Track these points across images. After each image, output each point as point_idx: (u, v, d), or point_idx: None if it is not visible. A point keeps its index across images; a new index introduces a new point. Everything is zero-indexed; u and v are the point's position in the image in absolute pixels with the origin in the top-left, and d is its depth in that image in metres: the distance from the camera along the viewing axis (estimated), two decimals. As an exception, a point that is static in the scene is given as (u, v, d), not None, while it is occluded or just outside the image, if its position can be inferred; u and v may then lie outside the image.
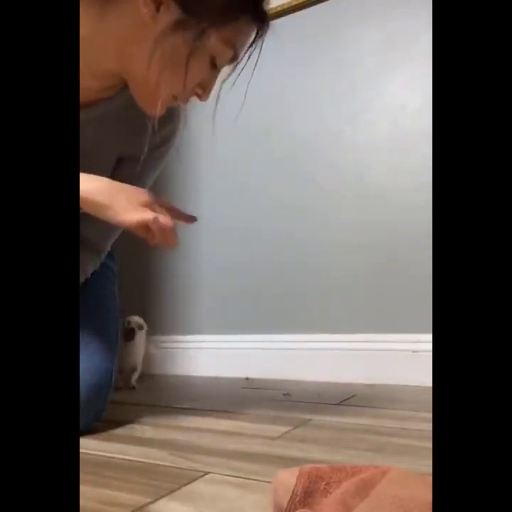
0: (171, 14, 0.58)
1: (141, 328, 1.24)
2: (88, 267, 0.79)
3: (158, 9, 0.58)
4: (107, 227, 0.81)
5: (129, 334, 1.21)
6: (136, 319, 1.25)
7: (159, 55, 0.61)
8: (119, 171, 0.79)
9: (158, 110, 0.67)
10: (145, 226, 0.62)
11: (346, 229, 1.30)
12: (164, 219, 0.62)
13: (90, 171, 0.73)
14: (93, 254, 0.80)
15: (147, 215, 0.61)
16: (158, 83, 0.63)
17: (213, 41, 0.61)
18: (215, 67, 0.66)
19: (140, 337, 1.24)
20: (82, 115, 0.70)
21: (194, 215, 0.72)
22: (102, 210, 0.63)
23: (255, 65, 0.67)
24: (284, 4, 1.42)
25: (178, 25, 0.59)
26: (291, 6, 1.41)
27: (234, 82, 0.70)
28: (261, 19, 0.64)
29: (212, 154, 1.55)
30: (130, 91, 0.69)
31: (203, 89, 0.68)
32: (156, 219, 0.61)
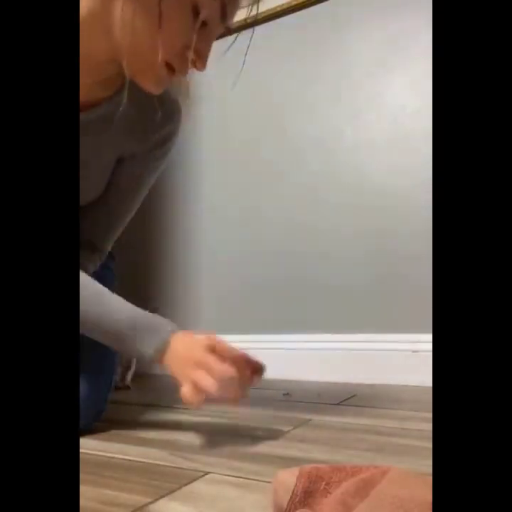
0: None
1: None
2: (89, 267, 0.79)
3: None
4: (108, 227, 0.81)
5: None
6: None
7: (130, 7, 0.57)
8: (120, 171, 0.78)
9: (146, 78, 0.63)
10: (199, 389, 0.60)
11: (346, 229, 1.30)
12: (218, 375, 0.59)
13: (91, 171, 0.73)
14: (94, 254, 0.80)
15: (195, 377, 0.60)
16: (137, 39, 0.59)
17: None
18: (197, 17, 0.59)
19: None
20: (83, 116, 0.69)
21: (262, 364, 0.66)
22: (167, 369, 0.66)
23: (251, 38, 0.65)
24: (284, 4, 1.42)
25: None
26: (291, 6, 1.41)
27: (228, 48, 0.66)
28: None
29: (212, 155, 1.55)
30: (128, 82, 0.66)
31: (196, 55, 0.62)
32: (198, 384, 0.59)
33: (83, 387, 0.72)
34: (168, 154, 0.81)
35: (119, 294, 0.93)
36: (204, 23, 0.60)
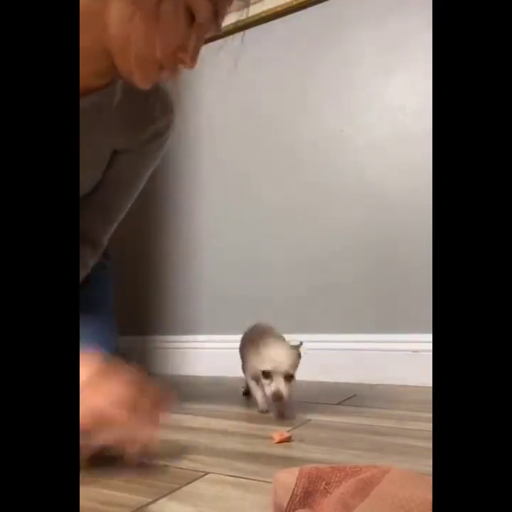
0: None
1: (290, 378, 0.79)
2: (89, 262, 0.79)
3: None
4: (106, 220, 0.81)
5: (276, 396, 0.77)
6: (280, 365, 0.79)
7: (129, 6, 0.58)
8: (116, 164, 0.78)
9: (137, 73, 0.63)
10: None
11: (346, 229, 1.30)
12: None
13: (85, 161, 0.73)
14: (93, 249, 0.80)
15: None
16: (132, 36, 0.59)
17: None
18: (193, 22, 0.61)
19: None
20: (83, 103, 0.68)
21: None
22: None
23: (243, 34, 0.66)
24: (284, 4, 1.42)
25: None
26: (291, 6, 1.41)
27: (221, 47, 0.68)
28: None
29: (212, 154, 1.55)
30: (121, 77, 0.67)
31: (187, 54, 0.62)
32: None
33: None
34: (163, 147, 0.81)
35: (118, 293, 0.92)
36: (197, 24, 0.61)
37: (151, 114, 0.75)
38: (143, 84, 0.65)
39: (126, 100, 0.71)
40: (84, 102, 0.69)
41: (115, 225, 0.82)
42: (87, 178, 0.75)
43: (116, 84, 0.72)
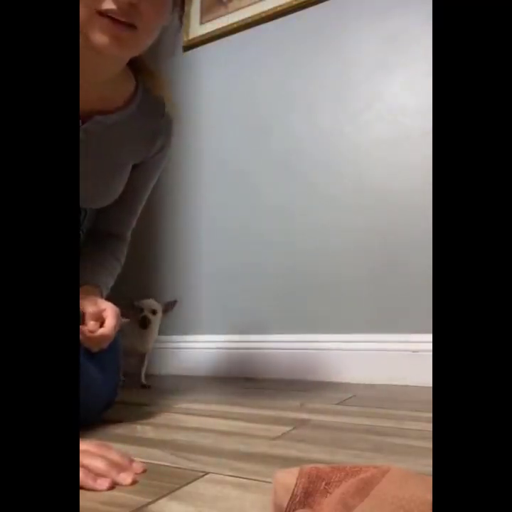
0: None
1: (154, 313, 1.20)
2: (121, 259, 0.93)
3: None
4: (127, 219, 0.94)
5: (143, 322, 1.16)
6: (149, 303, 1.19)
7: None
8: (134, 175, 0.87)
9: (91, 31, 0.60)
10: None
11: (346, 229, 1.30)
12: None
13: (119, 175, 0.82)
14: (121, 242, 0.94)
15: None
16: None
17: None
18: None
19: (155, 323, 1.20)
20: (102, 118, 0.75)
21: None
22: None
23: None
24: (284, 4, 1.42)
25: None
26: (291, 6, 1.41)
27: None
28: None
29: (212, 154, 1.55)
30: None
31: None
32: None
33: (94, 377, 0.74)
34: (167, 156, 0.91)
35: (121, 294, 0.93)
36: None
37: (158, 129, 0.85)
38: (111, 45, 0.61)
39: (142, 118, 0.80)
40: (107, 119, 0.76)
41: (135, 221, 0.95)
42: (119, 190, 0.85)
43: (132, 104, 0.79)
